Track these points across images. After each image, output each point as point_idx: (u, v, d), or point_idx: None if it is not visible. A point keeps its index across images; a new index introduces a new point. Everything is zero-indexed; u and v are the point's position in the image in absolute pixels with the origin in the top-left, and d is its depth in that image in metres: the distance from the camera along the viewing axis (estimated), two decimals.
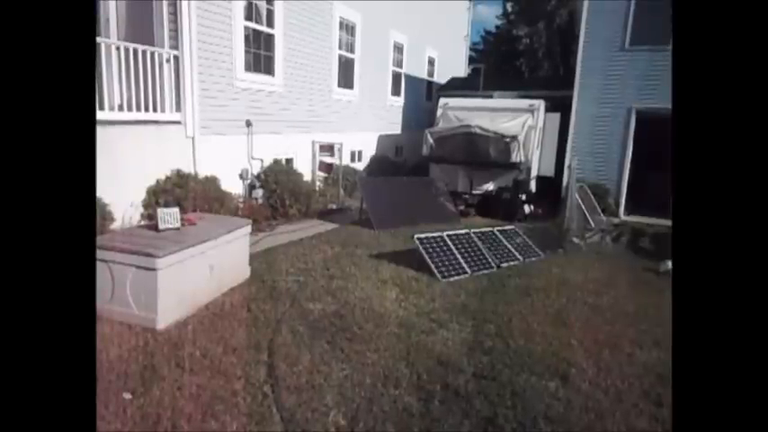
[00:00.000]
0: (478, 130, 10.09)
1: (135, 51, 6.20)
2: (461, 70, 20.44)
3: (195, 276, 4.37)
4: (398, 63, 14.43)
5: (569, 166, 10.13)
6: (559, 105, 11.20)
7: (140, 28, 6.77)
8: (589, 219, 8.99)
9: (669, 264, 6.55)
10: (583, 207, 8.97)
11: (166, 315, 4.02)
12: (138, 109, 6.33)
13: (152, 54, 6.48)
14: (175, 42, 6.89)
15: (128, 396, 3.02)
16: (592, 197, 9.77)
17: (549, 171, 11.23)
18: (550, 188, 10.94)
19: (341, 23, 11.10)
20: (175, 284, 4.09)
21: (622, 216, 10.58)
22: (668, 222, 10.20)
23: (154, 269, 3.88)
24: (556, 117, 11.08)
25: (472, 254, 6.35)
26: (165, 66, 6.76)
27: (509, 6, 27.89)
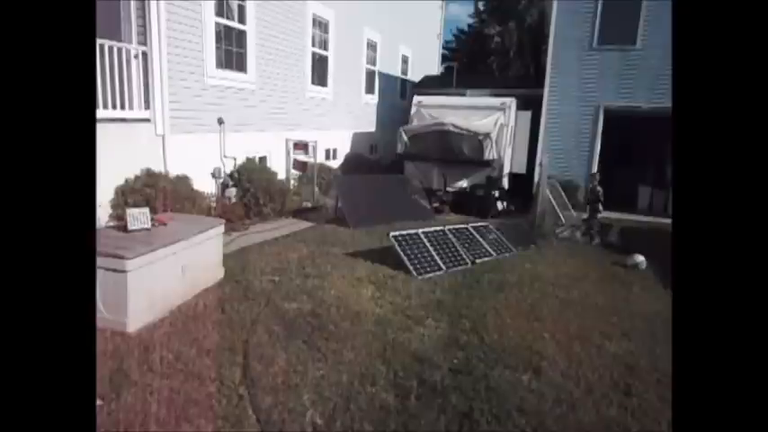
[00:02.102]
0: (452, 128, 10.18)
1: (101, 47, 6.01)
2: (435, 68, 20.58)
3: (167, 278, 4.29)
4: (372, 61, 14.41)
5: (540, 163, 10.34)
6: (530, 103, 11.40)
7: (107, 23, 6.56)
8: (560, 214, 9.19)
9: (636, 257, 6.76)
10: (554, 203, 9.17)
11: (137, 318, 3.93)
12: (105, 107, 6.14)
13: (119, 50, 6.30)
14: (144, 38, 6.71)
15: (98, 402, 2.94)
16: (562, 193, 9.98)
17: (521, 168, 11.42)
18: (522, 185, 11.14)
19: (314, 20, 11.01)
20: (146, 286, 4.00)
21: None
22: (634, 217, 10.54)
23: (123, 271, 3.79)
24: (527, 115, 11.26)
25: (447, 251, 6.41)
26: (134, 62, 6.57)
27: (480, 5, 28.23)
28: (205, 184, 7.79)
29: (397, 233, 6.23)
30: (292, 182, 10.13)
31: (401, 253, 5.95)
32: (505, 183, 11.09)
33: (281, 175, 9.62)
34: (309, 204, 9.51)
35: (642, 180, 11.83)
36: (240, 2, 8.64)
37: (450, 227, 7.04)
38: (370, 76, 14.39)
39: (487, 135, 10.12)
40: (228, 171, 8.43)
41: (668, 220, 9.94)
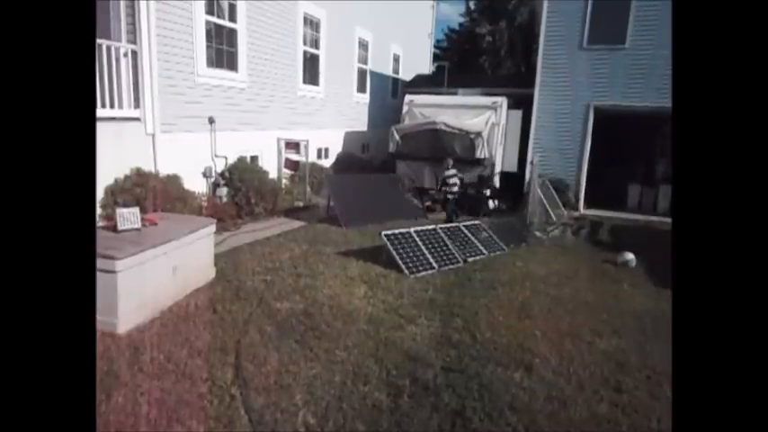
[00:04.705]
0: (444, 127, 10.19)
1: None
2: (426, 67, 20.58)
3: (157, 278, 4.26)
4: (364, 60, 14.38)
5: (531, 162, 10.41)
6: (521, 102, 11.45)
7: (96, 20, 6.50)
8: (551, 213, 9.26)
9: (626, 255, 6.82)
10: (544, 202, 9.24)
11: (127, 319, 3.90)
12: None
13: (108, 48, 6.23)
14: (133, 36, 6.64)
15: None
16: (553, 192, 10.05)
17: (512, 167, 11.46)
18: (514, 184, 11.18)
19: (305, 19, 10.97)
20: (136, 287, 3.97)
21: (582, 210, 10.93)
22: (624, 215, 10.64)
23: (113, 271, 3.75)
24: (518, 114, 11.31)
25: (439, 249, 6.43)
26: (123, 60, 6.51)
27: (471, 5, 28.31)
28: (196, 184, 7.75)
29: (389, 232, 6.23)
30: (284, 181, 10.09)
31: (393, 252, 5.95)
32: (497, 181, 11.14)
33: (273, 175, 9.58)
34: (301, 204, 9.48)
35: (632, 178, 11.95)
36: (231, 0, 8.59)
37: (443, 226, 7.06)
38: (362, 75, 14.36)
39: (479, 134, 10.15)
40: (220, 170, 8.38)
41: (657, 218, 10.06)
